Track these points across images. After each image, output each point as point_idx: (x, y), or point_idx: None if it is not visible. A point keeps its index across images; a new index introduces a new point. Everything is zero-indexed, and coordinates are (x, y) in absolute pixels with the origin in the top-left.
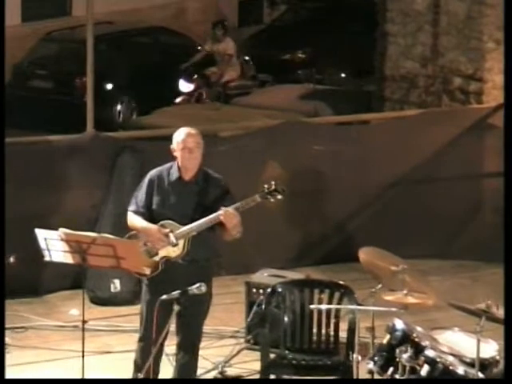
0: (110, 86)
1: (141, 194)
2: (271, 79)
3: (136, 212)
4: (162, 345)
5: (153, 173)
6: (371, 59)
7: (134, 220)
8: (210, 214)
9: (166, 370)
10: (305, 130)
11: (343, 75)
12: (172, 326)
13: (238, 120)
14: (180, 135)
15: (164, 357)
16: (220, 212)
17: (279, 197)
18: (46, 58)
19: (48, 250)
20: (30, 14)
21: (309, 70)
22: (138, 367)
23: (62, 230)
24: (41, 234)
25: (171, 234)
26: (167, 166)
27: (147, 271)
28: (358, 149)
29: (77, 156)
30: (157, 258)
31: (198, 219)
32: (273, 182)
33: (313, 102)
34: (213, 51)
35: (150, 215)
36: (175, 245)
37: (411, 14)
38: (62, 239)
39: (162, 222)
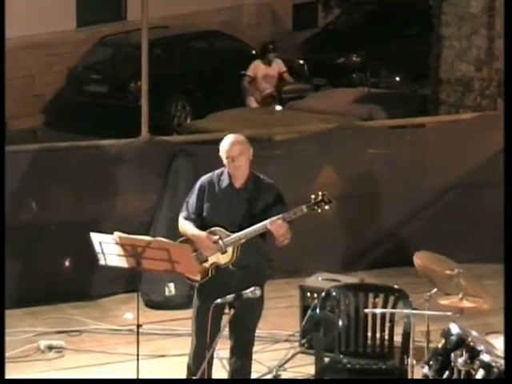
0: (164, 91)
1: (192, 200)
2: (325, 83)
3: (187, 218)
4: (213, 349)
5: (204, 179)
6: (426, 62)
7: (185, 226)
8: (260, 220)
9: (220, 375)
10: (359, 133)
11: (398, 79)
12: (225, 330)
13: (293, 124)
14: (224, 144)
15: (218, 361)
16: (267, 222)
17: (326, 207)
18: (101, 62)
19: (103, 253)
20: (85, 18)
21: (363, 74)
22: (191, 371)
23: (117, 233)
24: (96, 237)
25: (220, 241)
26: (218, 171)
27: (197, 277)
28: (412, 152)
29: (131, 160)
30: (206, 265)
31: (247, 226)
32: (320, 193)
33: (367, 106)
34: (268, 74)
35: (200, 221)
36: (224, 252)
37: (466, 17)
38: (116, 243)
39: (211, 229)
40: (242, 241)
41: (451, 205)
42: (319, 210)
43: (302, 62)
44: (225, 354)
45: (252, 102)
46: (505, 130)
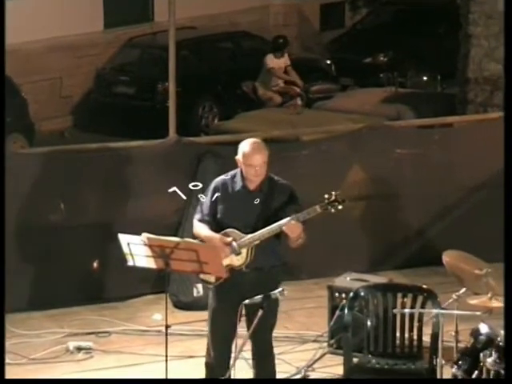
0: (191, 91)
1: (206, 203)
2: (353, 83)
3: (201, 220)
4: (229, 347)
5: (217, 180)
6: (454, 62)
7: (198, 228)
8: (274, 221)
9: (246, 375)
10: (387, 133)
11: (425, 78)
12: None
13: (320, 124)
14: (247, 150)
15: (244, 361)
16: (280, 223)
17: (340, 207)
18: (129, 63)
19: (131, 254)
20: (112, 20)
21: (391, 74)
22: (209, 369)
23: (145, 234)
24: (124, 239)
25: (234, 243)
26: (232, 173)
27: (212, 279)
28: (440, 152)
29: (159, 161)
30: None
31: (262, 228)
32: (333, 192)
33: (395, 106)
34: (279, 67)
35: (215, 223)
36: (238, 254)
37: (494, 15)
38: (145, 244)
39: (225, 231)
40: (256, 242)
41: (480, 204)
42: (332, 210)
43: (329, 61)
44: (249, 354)
45: (266, 92)
46: (505, 130)
